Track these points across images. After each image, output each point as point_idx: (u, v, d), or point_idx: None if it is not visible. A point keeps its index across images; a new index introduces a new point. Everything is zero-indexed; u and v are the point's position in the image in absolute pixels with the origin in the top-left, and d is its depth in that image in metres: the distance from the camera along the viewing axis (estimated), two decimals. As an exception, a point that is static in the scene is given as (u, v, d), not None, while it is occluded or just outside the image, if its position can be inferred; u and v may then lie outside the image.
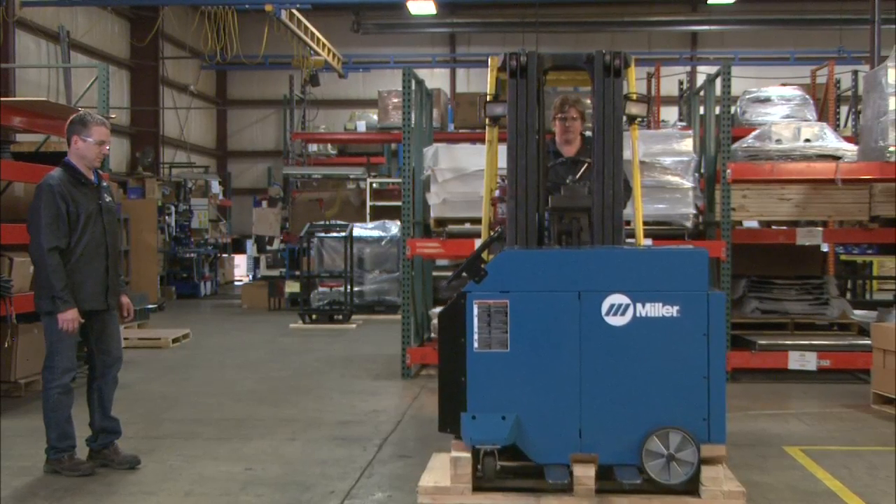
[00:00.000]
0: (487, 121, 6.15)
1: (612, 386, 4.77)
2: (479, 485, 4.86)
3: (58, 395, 5.59)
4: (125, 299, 5.97)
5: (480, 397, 4.82)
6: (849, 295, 14.95)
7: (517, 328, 4.81)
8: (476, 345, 4.83)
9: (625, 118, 5.71)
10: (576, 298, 4.79)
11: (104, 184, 5.91)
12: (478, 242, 7.12)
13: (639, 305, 4.74)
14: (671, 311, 4.73)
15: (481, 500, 4.79)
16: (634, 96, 5.85)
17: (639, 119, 6.00)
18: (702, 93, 10.55)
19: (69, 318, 5.50)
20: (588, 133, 6.31)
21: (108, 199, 5.85)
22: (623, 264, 4.87)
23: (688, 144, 9.45)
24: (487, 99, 6.10)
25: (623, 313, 4.77)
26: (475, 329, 4.82)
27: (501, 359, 4.82)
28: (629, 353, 4.77)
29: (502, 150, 5.72)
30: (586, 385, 4.78)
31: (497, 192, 6.26)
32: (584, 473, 4.73)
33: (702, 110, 10.53)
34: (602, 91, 5.47)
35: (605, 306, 4.77)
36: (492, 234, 5.84)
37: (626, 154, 6.03)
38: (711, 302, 4.74)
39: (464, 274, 4.98)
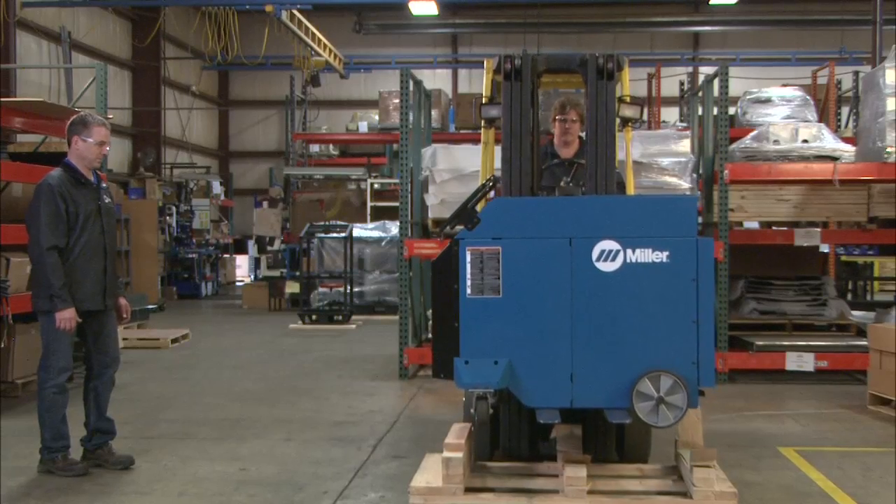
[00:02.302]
0: (483, 122, 6.23)
1: (602, 331, 4.80)
2: (471, 485, 4.88)
3: (53, 395, 5.60)
4: (123, 301, 5.98)
5: (473, 342, 4.86)
6: (850, 296, 14.94)
7: (509, 274, 4.85)
8: (469, 291, 4.87)
9: (619, 120, 5.74)
10: (567, 245, 4.83)
11: (104, 185, 5.92)
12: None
13: (629, 251, 4.78)
14: (661, 256, 4.77)
15: (473, 500, 4.79)
16: (628, 99, 5.89)
17: (633, 122, 6.04)
18: (700, 93, 10.55)
19: (66, 317, 5.51)
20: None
21: (107, 200, 5.86)
22: (613, 211, 4.92)
23: (685, 145, 9.46)
24: (483, 101, 6.15)
25: (613, 259, 4.80)
26: (468, 275, 4.86)
27: (494, 304, 4.85)
28: (620, 298, 4.79)
29: (498, 150, 5.72)
30: (578, 330, 4.81)
31: (492, 193, 6.24)
32: (576, 474, 4.74)
33: (700, 111, 10.53)
34: (595, 93, 5.46)
35: (595, 252, 4.81)
36: (485, 182, 5.89)
37: (623, 155, 6.07)
38: (700, 247, 4.78)
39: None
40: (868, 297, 15.73)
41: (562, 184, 5.75)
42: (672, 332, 4.76)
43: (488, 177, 6.06)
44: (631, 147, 6.40)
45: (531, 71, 5.56)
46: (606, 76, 5.45)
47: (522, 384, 4.85)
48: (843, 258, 14.61)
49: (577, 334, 4.81)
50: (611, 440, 5.48)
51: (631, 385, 4.70)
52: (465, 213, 5.15)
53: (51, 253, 5.50)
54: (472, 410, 5.15)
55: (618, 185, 5.65)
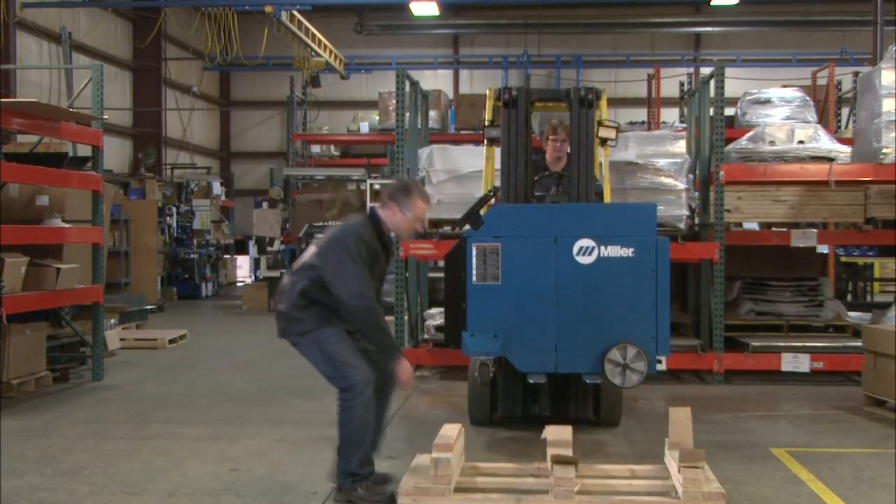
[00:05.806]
0: (486, 142, 7.57)
1: (580, 311, 5.94)
2: (460, 485, 4.88)
3: (363, 414, 5.07)
4: None
5: (478, 319, 6.01)
6: (850, 297, 14.90)
7: (507, 265, 5.99)
8: (474, 278, 6.02)
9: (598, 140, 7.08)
10: (553, 242, 5.98)
11: (392, 235, 5.46)
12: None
13: (602, 247, 5.93)
14: (627, 252, 5.90)
15: (462, 500, 4.79)
16: (606, 123, 7.17)
17: (609, 142, 7.26)
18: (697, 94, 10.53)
19: (408, 368, 5.13)
20: None
21: (392, 249, 5.51)
22: (590, 215, 6.19)
23: (681, 146, 9.45)
24: (486, 124, 7.50)
25: (590, 254, 5.94)
26: (474, 266, 6.01)
27: (494, 289, 6.00)
28: (594, 285, 5.93)
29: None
30: (560, 310, 5.96)
31: (493, 200, 6.93)
32: (565, 475, 4.74)
33: (698, 112, 10.50)
34: (578, 119, 6.73)
35: (575, 248, 5.95)
36: (488, 191, 6.88)
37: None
38: (659, 245, 5.91)
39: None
40: (868, 299, 15.69)
41: (550, 193, 6.89)
42: (636, 312, 5.89)
43: (490, 187, 7.19)
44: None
45: (525, 101, 6.81)
46: (587, 105, 6.72)
47: (516, 353, 6.03)
48: (843, 259, 14.58)
49: (560, 313, 5.95)
50: (588, 404, 6.77)
51: (603, 354, 5.83)
52: (472, 217, 6.24)
53: (371, 300, 5.05)
54: (475, 374, 6.24)
55: (597, 194, 6.88)
